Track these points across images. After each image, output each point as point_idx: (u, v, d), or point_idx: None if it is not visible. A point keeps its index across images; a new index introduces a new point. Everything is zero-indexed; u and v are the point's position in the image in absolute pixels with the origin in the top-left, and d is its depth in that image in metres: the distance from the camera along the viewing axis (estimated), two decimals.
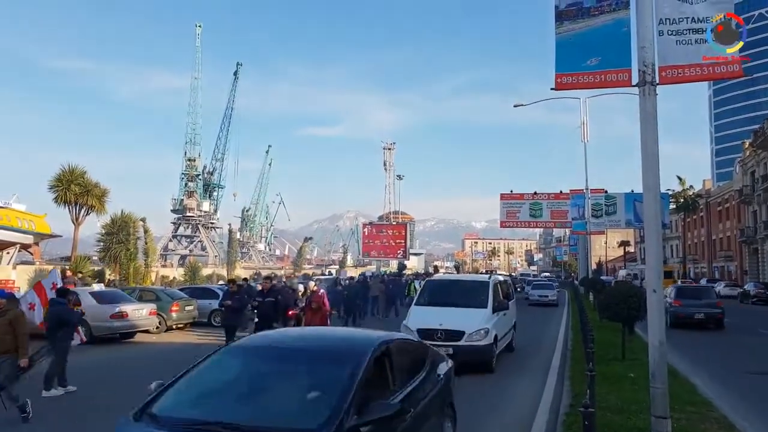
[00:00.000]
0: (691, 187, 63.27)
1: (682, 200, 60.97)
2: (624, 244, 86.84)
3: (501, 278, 14.57)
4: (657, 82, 5.66)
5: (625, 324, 12.91)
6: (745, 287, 41.39)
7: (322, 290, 14.13)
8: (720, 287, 46.63)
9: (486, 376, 10.61)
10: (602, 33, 5.95)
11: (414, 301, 12.97)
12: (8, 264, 34.97)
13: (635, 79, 5.75)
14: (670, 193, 55.82)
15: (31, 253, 44.32)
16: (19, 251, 42.33)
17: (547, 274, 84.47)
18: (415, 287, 27.77)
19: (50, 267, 31.04)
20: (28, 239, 38.65)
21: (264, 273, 47.01)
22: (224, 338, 13.08)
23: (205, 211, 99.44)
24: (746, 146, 58.60)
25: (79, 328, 10.78)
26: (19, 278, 26.20)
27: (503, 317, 12.28)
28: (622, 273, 63.67)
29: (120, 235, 29.40)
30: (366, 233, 63.71)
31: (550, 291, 34.23)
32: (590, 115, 31.21)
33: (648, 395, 5.66)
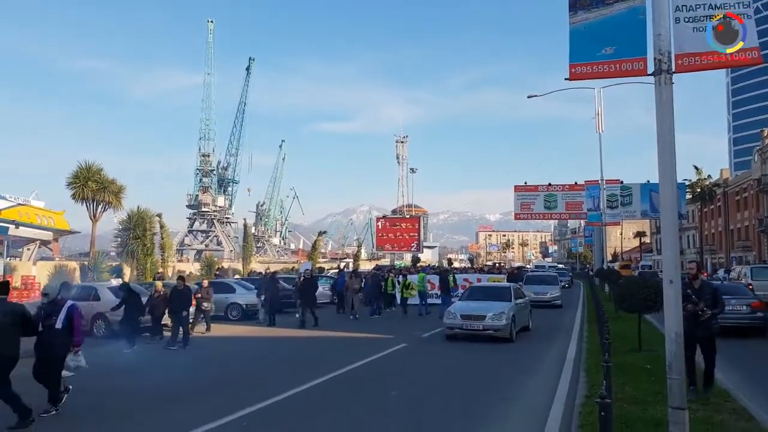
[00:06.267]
0: (708, 176, 62.43)
1: (699, 190, 60.17)
2: (640, 234, 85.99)
3: None
4: (673, 70, 5.58)
5: (641, 315, 12.82)
6: None
7: None
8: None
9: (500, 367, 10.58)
10: (617, 21, 5.87)
11: None
12: (29, 260, 35.55)
13: (651, 68, 5.66)
14: (687, 183, 55.12)
15: (51, 249, 45.05)
16: (39, 247, 43.00)
17: (561, 265, 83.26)
18: (393, 283, 24.54)
19: (69, 263, 31.52)
20: (48, 236, 39.28)
21: (271, 268, 47.14)
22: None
23: (220, 206, 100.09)
24: (765, 134, 57.64)
25: None
26: (39, 274, 26.62)
27: None
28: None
29: (137, 230, 29.63)
30: (380, 227, 63.64)
31: (552, 287, 25.99)
32: (605, 105, 30.78)
33: (665, 386, 5.63)
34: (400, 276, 25.26)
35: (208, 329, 17.22)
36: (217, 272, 35.57)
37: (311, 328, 18.10)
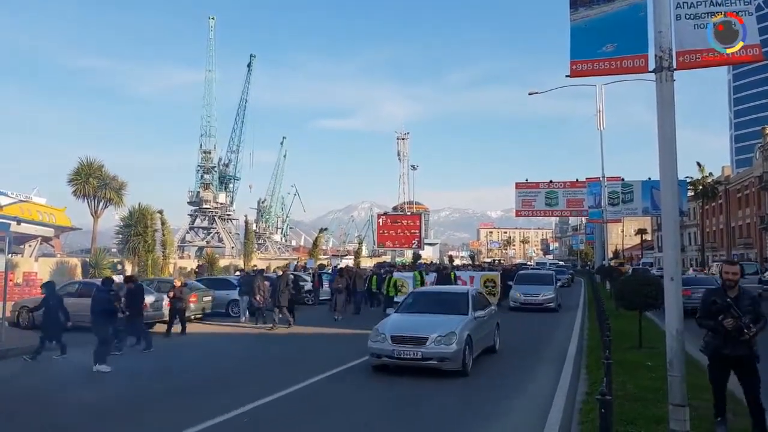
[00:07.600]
0: (710, 174, 62.38)
1: (700, 187, 60.15)
2: (641, 232, 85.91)
3: None
4: (674, 67, 5.57)
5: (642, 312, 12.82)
6: (766, 275, 40.52)
7: None
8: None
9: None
10: (618, 18, 5.86)
11: None
12: (30, 256, 35.57)
13: (652, 65, 5.66)
14: (689, 180, 55.10)
15: (53, 246, 45.11)
16: (40, 244, 43.03)
17: (562, 263, 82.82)
18: (377, 281, 23.20)
19: (71, 259, 31.55)
20: (49, 232, 39.18)
21: (276, 264, 47.18)
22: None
23: (221, 203, 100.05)
24: (766, 132, 57.54)
25: None
26: (41, 270, 26.63)
27: None
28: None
29: (138, 227, 29.61)
30: (381, 224, 63.70)
31: (545, 288, 23.05)
32: (606, 102, 30.75)
33: (665, 383, 5.63)
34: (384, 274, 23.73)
35: (180, 331, 16.15)
36: (197, 270, 35.54)
37: (267, 327, 17.42)
